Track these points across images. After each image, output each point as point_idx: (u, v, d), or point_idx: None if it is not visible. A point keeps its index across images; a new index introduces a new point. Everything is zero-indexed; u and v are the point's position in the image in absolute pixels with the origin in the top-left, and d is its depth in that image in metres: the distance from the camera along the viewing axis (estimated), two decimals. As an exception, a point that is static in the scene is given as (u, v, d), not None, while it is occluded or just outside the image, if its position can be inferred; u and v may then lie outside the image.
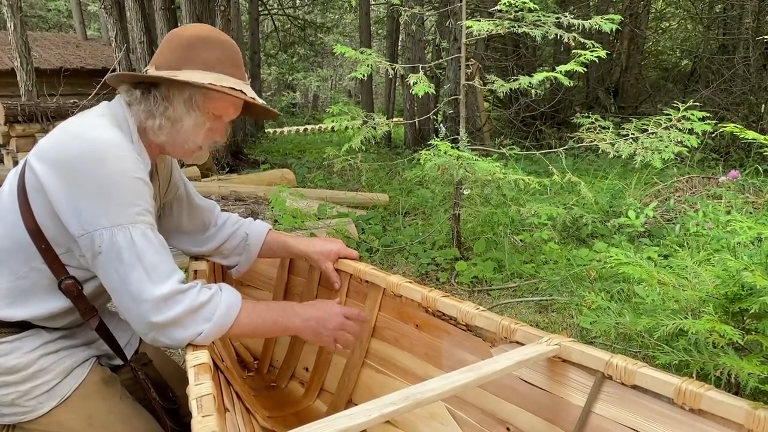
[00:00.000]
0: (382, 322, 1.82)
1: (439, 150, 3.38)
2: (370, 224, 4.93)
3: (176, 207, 1.69)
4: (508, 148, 3.96)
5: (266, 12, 17.66)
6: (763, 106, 7.98)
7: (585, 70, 3.36)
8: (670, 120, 3.31)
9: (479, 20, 3.56)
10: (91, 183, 1.22)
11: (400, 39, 14.22)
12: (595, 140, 3.51)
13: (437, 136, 4.10)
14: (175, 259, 1.32)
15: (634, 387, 1.19)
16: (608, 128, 3.52)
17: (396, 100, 16.73)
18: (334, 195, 6.07)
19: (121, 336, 1.54)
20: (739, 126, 1.77)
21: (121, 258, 1.22)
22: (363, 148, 3.76)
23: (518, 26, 3.55)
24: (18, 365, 1.31)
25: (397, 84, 15.23)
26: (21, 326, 1.34)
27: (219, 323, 1.29)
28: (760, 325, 1.65)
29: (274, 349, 2.20)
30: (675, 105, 3.31)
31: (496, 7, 3.55)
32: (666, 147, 3.20)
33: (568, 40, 3.48)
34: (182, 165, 7.82)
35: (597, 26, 3.46)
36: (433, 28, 12.20)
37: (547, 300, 3.31)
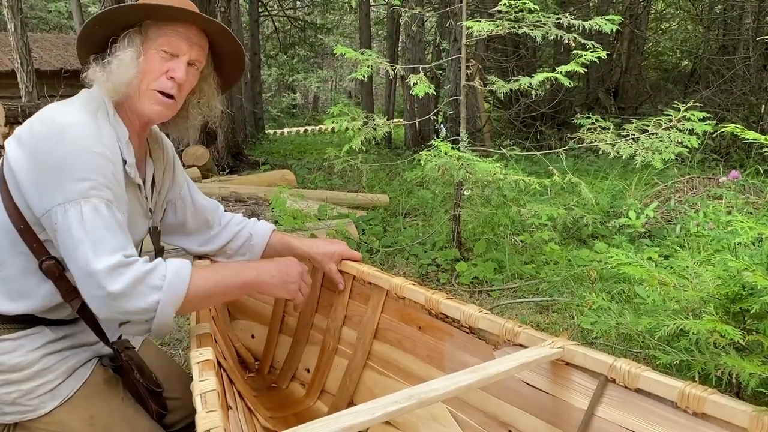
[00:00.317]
0: (384, 324, 1.82)
1: (440, 151, 3.38)
2: (370, 225, 4.93)
3: (179, 206, 1.70)
4: (508, 148, 3.96)
5: (266, 13, 17.68)
6: (764, 106, 7.99)
7: (585, 70, 3.36)
8: (671, 120, 3.31)
9: (479, 21, 3.56)
10: (49, 161, 1.23)
11: (400, 40, 14.23)
12: (595, 141, 3.51)
13: (437, 137, 4.10)
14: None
15: (637, 390, 1.19)
16: (608, 129, 3.52)
17: (396, 100, 16.74)
18: (335, 196, 6.07)
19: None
20: (739, 126, 1.77)
21: (71, 233, 1.21)
22: (363, 149, 3.77)
23: (518, 27, 3.55)
24: (21, 363, 1.31)
25: (397, 85, 15.24)
26: (25, 321, 1.34)
27: (172, 290, 1.26)
28: (761, 326, 1.65)
29: (275, 350, 2.20)
30: (675, 105, 3.31)
31: (496, 8, 3.55)
32: (666, 147, 3.20)
33: (569, 40, 3.48)
34: (183, 166, 7.82)
35: (597, 27, 3.46)
36: (433, 29, 12.21)
37: (547, 301, 3.31)
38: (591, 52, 3.32)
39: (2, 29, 14.31)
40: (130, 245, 1.26)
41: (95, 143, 1.27)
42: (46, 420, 1.34)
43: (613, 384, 1.23)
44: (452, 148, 3.40)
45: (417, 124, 8.22)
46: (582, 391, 1.29)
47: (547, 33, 3.53)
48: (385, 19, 16.03)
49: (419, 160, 3.52)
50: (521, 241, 4.29)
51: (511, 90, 3.67)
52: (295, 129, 19.68)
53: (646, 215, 4.16)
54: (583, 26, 3.47)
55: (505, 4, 3.45)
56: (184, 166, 7.04)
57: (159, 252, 1.60)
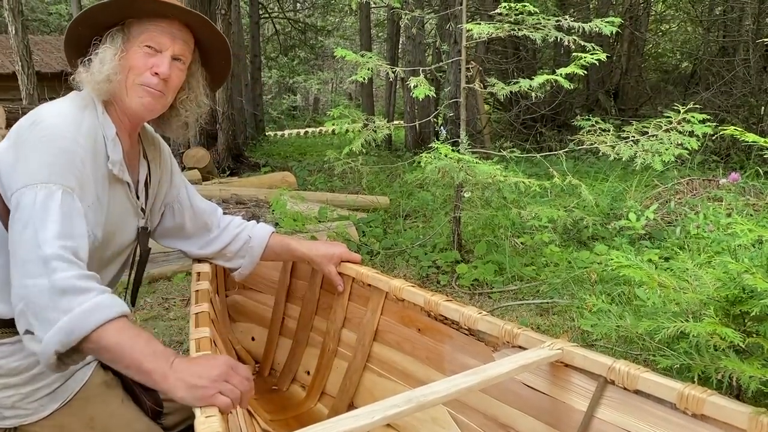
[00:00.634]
0: (384, 326, 1.82)
1: (440, 153, 3.38)
2: (370, 227, 4.93)
3: (177, 209, 1.70)
4: (508, 150, 3.96)
5: (267, 15, 17.71)
6: (764, 108, 7.99)
7: (585, 72, 3.36)
8: (671, 122, 3.31)
9: (479, 23, 3.56)
10: (23, 147, 1.24)
11: (400, 42, 14.25)
12: (595, 143, 3.51)
13: (438, 139, 4.10)
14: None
15: (637, 392, 1.19)
16: (608, 131, 3.52)
17: (396, 102, 16.76)
18: (335, 198, 6.08)
19: None
20: (739, 128, 1.77)
21: (20, 217, 1.17)
22: (363, 150, 3.77)
23: (518, 29, 3.56)
24: (19, 367, 1.31)
25: (397, 87, 15.25)
26: None
27: (75, 322, 1.09)
28: (761, 328, 1.65)
29: (276, 353, 2.20)
30: (675, 107, 3.31)
31: (496, 11, 3.56)
32: (666, 149, 3.20)
33: (569, 42, 3.48)
34: (183, 168, 7.83)
35: (597, 29, 3.46)
36: (433, 31, 12.22)
37: (547, 303, 3.31)
38: (591, 54, 3.32)
39: (3, 32, 14.33)
40: (78, 237, 1.20)
41: (69, 131, 1.27)
42: (45, 423, 1.34)
43: (613, 385, 1.23)
44: (452, 150, 3.40)
45: (417, 125, 8.22)
46: (581, 393, 1.29)
47: (547, 35, 3.53)
48: (386, 22, 16.04)
49: (419, 162, 3.52)
50: (521, 243, 4.29)
51: (511, 92, 3.67)
52: (295, 131, 19.70)
53: (647, 217, 4.16)
54: (583, 28, 3.47)
55: (505, 6, 3.46)
56: (184, 168, 7.05)
57: (146, 253, 1.60)
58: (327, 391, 1.98)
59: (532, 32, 3.53)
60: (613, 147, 3.40)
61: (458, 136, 3.92)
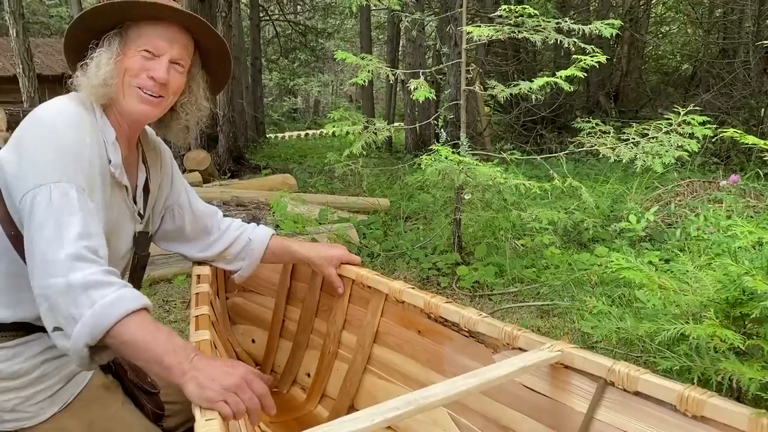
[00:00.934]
0: (384, 328, 1.82)
1: (440, 155, 3.39)
2: (371, 229, 4.93)
3: (177, 213, 1.69)
4: (508, 152, 3.96)
5: (267, 18, 17.74)
6: (764, 110, 7.99)
7: (585, 75, 3.37)
8: (671, 124, 3.31)
9: (479, 26, 3.57)
10: (28, 147, 1.23)
11: (400, 44, 14.26)
12: (595, 145, 3.51)
13: (438, 141, 4.11)
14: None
15: (637, 393, 1.19)
16: (609, 133, 3.53)
17: (397, 104, 16.77)
18: (336, 200, 6.08)
19: None
20: (738, 131, 1.78)
21: (35, 218, 1.16)
22: (364, 153, 3.78)
23: (518, 32, 3.57)
24: (20, 371, 1.31)
25: (397, 89, 15.26)
26: (23, 329, 1.34)
27: (99, 314, 1.10)
28: (761, 330, 1.65)
29: (276, 355, 2.20)
30: (675, 109, 3.31)
31: (496, 13, 3.56)
32: (667, 151, 3.20)
33: (569, 45, 3.49)
34: (183, 171, 7.84)
35: (597, 31, 3.47)
36: (433, 34, 12.24)
37: (548, 305, 3.31)
38: (591, 56, 3.33)
39: (4, 34, 14.36)
40: (96, 236, 1.20)
41: (73, 129, 1.26)
42: (45, 426, 1.33)
43: (613, 387, 1.23)
44: (453, 152, 3.41)
45: (418, 128, 8.23)
46: (581, 395, 1.29)
47: (547, 37, 3.54)
48: (386, 24, 16.07)
49: (420, 165, 3.53)
50: (522, 245, 4.30)
51: (511, 94, 3.68)
52: (296, 133, 19.72)
53: (647, 219, 4.16)
54: (583, 31, 3.48)
55: (505, 9, 3.47)
56: (185, 170, 7.06)
57: (144, 257, 1.60)
58: (327, 393, 1.98)
59: (532, 34, 3.54)
60: (614, 149, 3.41)
61: (458, 138, 3.93)
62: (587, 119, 3.73)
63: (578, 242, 4.33)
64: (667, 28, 13.86)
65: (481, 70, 8.31)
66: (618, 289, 3.15)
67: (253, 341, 2.25)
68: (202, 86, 1.53)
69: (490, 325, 1.47)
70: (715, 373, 1.65)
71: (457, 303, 1.63)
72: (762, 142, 1.74)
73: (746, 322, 1.71)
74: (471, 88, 3.97)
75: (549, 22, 3.56)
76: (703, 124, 3.20)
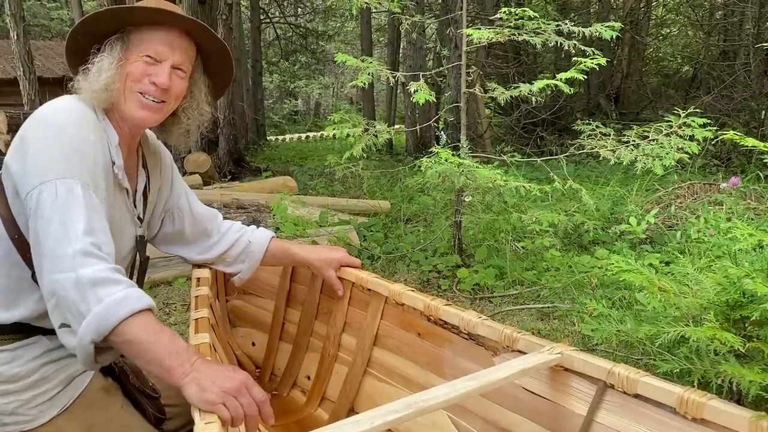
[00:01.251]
0: (384, 331, 1.82)
1: (440, 157, 3.39)
2: (371, 231, 4.93)
3: (177, 216, 1.69)
4: (509, 155, 3.97)
5: (268, 20, 17.76)
6: (764, 112, 7.99)
7: (585, 77, 3.37)
8: (671, 126, 3.31)
9: (479, 28, 3.57)
10: (33, 145, 1.23)
11: (401, 47, 14.28)
12: (596, 147, 3.51)
13: (438, 144, 4.11)
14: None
15: (637, 396, 1.19)
16: (609, 135, 3.53)
17: (397, 107, 16.79)
18: (336, 202, 6.08)
19: None
20: (738, 133, 1.78)
21: (42, 214, 1.16)
22: (364, 155, 3.78)
23: (518, 34, 3.57)
24: (20, 374, 1.31)
25: (398, 91, 15.28)
26: (22, 331, 1.34)
27: (105, 312, 1.10)
28: (761, 333, 1.65)
29: (276, 358, 2.20)
30: (676, 111, 3.31)
31: (496, 15, 3.57)
32: (667, 153, 3.20)
33: (569, 47, 3.49)
34: (184, 173, 7.85)
35: (597, 33, 3.47)
36: (433, 36, 12.25)
37: (548, 307, 3.31)
38: (591, 58, 3.33)
39: (5, 37, 14.39)
40: (100, 232, 1.20)
41: (78, 127, 1.27)
42: (45, 429, 1.33)
43: (612, 389, 1.23)
44: (453, 154, 3.41)
45: (418, 130, 8.24)
46: (581, 397, 1.29)
47: (547, 40, 3.54)
48: (386, 26, 16.09)
49: (420, 167, 3.53)
50: (522, 247, 4.29)
51: (511, 96, 3.68)
52: (296, 135, 19.73)
53: (647, 221, 4.16)
54: (584, 33, 3.48)
55: (505, 11, 3.47)
56: (186, 173, 7.06)
57: (144, 262, 1.61)
58: (327, 396, 1.98)
59: (532, 37, 3.54)
60: (614, 151, 3.41)
61: (459, 141, 3.93)
62: (588, 121, 3.73)
63: (579, 244, 4.33)
64: (668, 30, 13.87)
65: (481, 73, 8.32)
66: (618, 291, 3.15)
67: (253, 344, 2.25)
68: (204, 91, 1.53)
69: (489, 327, 1.47)
70: (715, 375, 1.65)
71: (458, 305, 1.62)
72: (762, 144, 1.74)
73: (746, 325, 1.70)
74: (471, 90, 3.97)
75: (549, 24, 3.56)
76: (703, 126, 3.20)
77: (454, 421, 1.57)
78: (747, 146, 1.75)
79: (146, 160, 1.56)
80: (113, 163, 1.36)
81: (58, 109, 1.29)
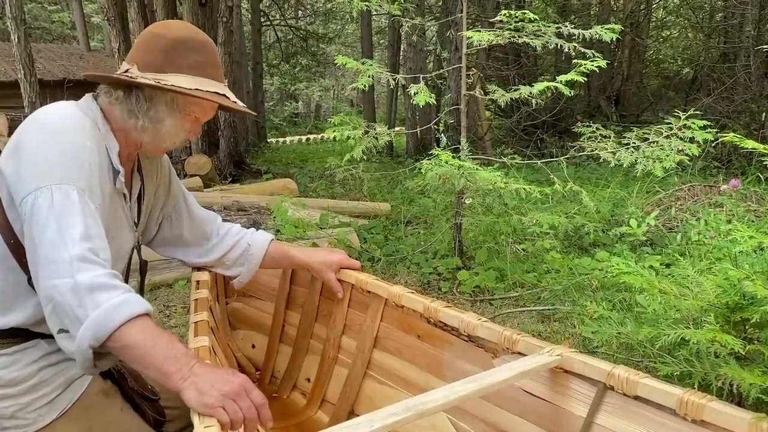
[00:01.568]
0: (384, 333, 1.82)
1: (441, 159, 3.39)
2: (371, 233, 4.93)
3: (175, 219, 1.69)
4: (509, 157, 3.97)
5: (268, 23, 17.78)
6: (765, 114, 7.99)
7: (585, 79, 3.37)
8: (671, 128, 3.31)
9: (480, 31, 3.57)
10: (29, 150, 1.23)
11: (401, 49, 14.29)
12: (596, 149, 3.52)
13: (439, 146, 4.12)
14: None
15: (637, 398, 1.19)
16: (609, 137, 3.53)
17: (398, 109, 16.79)
18: (336, 204, 6.08)
19: None
20: (739, 135, 1.77)
21: (38, 219, 1.15)
22: (365, 157, 3.78)
23: (518, 36, 3.57)
24: (18, 377, 1.31)
25: (398, 93, 15.28)
26: (20, 335, 1.33)
27: (103, 317, 1.10)
28: (761, 335, 1.65)
29: (276, 360, 2.20)
30: (676, 113, 3.31)
31: (496, 18, 3.57)
32: (667, 155, 3.20)
33: (569, 49, 3.49)
34: (184, 176, 7.85)
35: (597, 36, 3.47)
36: (434, 39, 12.26)
37: (549, 309, 3.31)
38: (591, 61, 3.33)
39: (6, 40, 14.41)
40: (97, 238, 1.20)
41: (74, 133, 1.27)
42: (44, 432, 1.34)
43: (612, 391, 1.23)
44: (453, 156, 3.41)
45: (418, 132, 8.24)
46: (581, 399, 1.29)
47: (548, 42, 3.54)
48: (387, 29, 16.11)
49: (420, 169, 3.53)
50: (522, 249, 4.29)
51: (512, 98, 3.68)
52: (297, 137, 19.73)
53: (648, 223, 4.16)
54: (584, 35, 3.48)
55: (505, 14, 3.47)
56: (186, 175, 7.03)
57: (142, 266, 1.61)
58: (327, 398, 1.98)
59: (532, 39, 3.54)
60: (614, 153, 3.40)
61: (459, 143, 3.93)
62: (588, 123, 3.73)
63: (579, 246, 4.32)
64: (668, 32, 13.87)
65: (481, 75, 8.31)
66: (619, 293, 3.15)
67: (253, 346, 2.25)
68: None
69: (489, 329, 1.47)
70: (715, 378, 1.65)
71: (458, 307, 1.62)
72: (762, 146, 1.74)
73: (746, 327, 1.70)
74: (471, 92, 3.97)
75: (549, 26, 3.56)
76: (703, 128, 3.20)
77: (454, 423, 1.57)
78: (747, 148, 1.74)
79: (141, 164, 1.56)
80: (118, 172, 1.37)
81: (53, 115, 1.29)
